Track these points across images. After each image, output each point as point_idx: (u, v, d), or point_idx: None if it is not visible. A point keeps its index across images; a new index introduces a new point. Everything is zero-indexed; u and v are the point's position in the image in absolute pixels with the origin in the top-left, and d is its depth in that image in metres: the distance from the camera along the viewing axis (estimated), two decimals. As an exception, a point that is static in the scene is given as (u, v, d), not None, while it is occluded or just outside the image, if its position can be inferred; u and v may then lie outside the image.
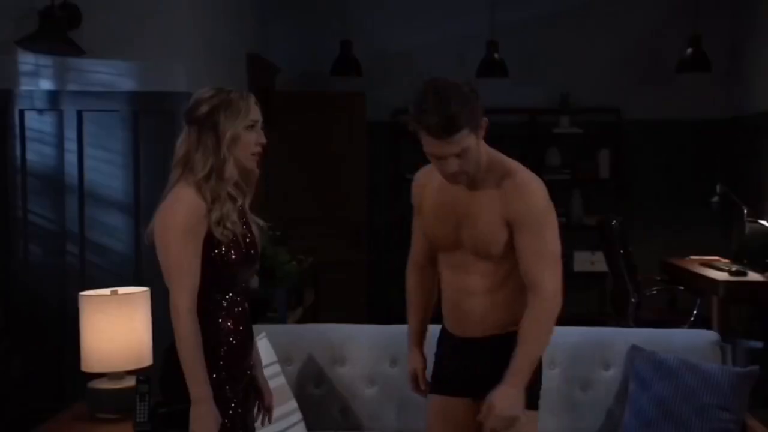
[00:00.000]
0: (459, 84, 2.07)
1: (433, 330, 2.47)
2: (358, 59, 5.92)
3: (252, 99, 2.16)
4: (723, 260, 5.11)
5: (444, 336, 2.39)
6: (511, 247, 2.15)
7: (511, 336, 2.16)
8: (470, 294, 2.23)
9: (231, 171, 2.10)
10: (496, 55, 5.81)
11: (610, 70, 6.28)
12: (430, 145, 2.06)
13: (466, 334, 2.28)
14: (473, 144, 2.07)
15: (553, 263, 2.13)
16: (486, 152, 2.16)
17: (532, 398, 2.20)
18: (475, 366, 2.26)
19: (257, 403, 2.32)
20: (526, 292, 2.16)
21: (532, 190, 2.13)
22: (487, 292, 2.22)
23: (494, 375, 2.14)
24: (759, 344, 4.52)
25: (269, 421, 2.34)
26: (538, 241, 2.11)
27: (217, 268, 2.10)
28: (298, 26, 6.34)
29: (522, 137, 6.29)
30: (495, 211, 2.13)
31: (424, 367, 2.43)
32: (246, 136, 2.12)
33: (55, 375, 3.92)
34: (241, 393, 2.17)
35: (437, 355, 2.41)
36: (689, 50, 5.65)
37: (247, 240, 2.18)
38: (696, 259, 5.27)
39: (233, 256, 2.11)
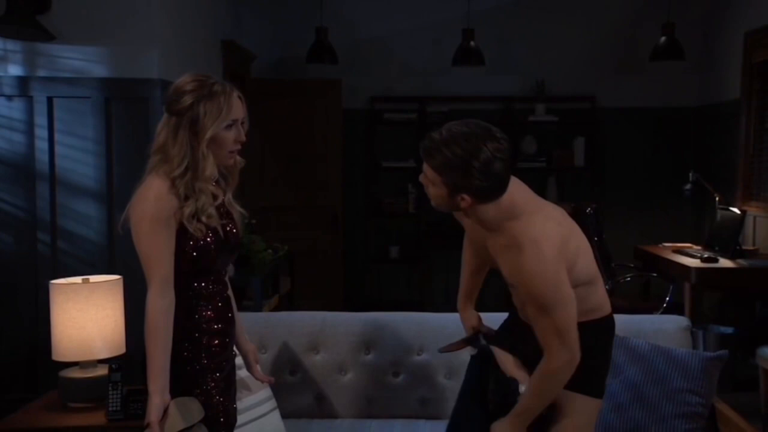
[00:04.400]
0: (476, 146, 2.01)
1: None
2: (333, 46, 5.89)
3: (235, 94, 2.10)
4: (695, 247, 5.17)
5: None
6: None
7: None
8: None
9: (211, 169, 2.07)
10: (471, 43, 5.81)
11: (585, 59, 6.31)
12: None
13: None
14: (442, 191, 2.05)
15: (561, 338, 2.08)
16: (497, 214, 2.10)
17: (591, 385, 2.24)
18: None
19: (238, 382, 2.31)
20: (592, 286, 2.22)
21: (535, 273, 2.04)
22: None
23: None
24: (729, 330, 4.58)
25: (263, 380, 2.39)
26: (544, 319, 2.07)
27: (195, 258, 2.07)
28: (273, 13, 6.30)
29: (497, 125, 6.23)
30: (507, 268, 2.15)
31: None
32: (226, 136, 2.08)
33: (27, 364, 3.88)
34: (222, 383, 2.15)
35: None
36: (662, 39, 5.69)
37: (227, 228, 2.16)
38: (669, 246, 5.33)
39: (212, 246, 2.09)
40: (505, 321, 2.47)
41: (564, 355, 2.09)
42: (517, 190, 2.14)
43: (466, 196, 2.03)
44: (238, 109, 2.10)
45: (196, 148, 2.04)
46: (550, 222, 2.11)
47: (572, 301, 2.08)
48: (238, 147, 2.13)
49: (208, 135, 2.04)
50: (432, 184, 2.07)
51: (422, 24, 6.28)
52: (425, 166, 2.07)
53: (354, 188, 6.37)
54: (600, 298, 2.28)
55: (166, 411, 1.99)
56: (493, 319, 2.52)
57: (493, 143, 2.04)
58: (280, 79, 6.23)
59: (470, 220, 2.21)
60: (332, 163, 6.16)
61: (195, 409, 2.04)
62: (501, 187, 2.05)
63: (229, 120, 2.07)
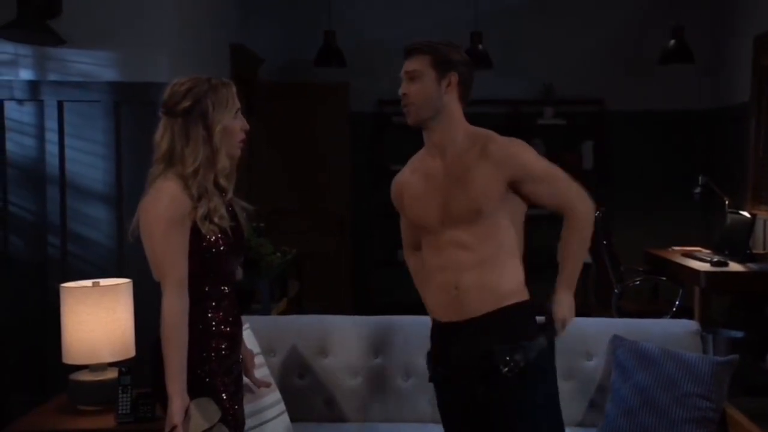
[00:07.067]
0: (451, 43, 2.33)
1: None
2: (341, 50, 5.90)
3: (233, 86, 2.17)
4: (704, 250, 5.15)
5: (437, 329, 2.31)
6: (498, 203, 2.22)
7: (504, 310, 2.19)
8: (462, 271, 2.19)
9: (223, 161, 2.10)
10: (480, 46, 5.81)
11: (593, 62, 6.30)
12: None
13: (461, 317, 2.21)
14: (429, 78, 2.23)
15: (567, 183, 2.30)
16: (465, 125, 2.35)
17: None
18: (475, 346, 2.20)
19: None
20: (515, 255, 2.26)
21: (519, 146, 2.30)
22: (478, 265, 2.19)
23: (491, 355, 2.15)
24: (739, 334, 4.56)
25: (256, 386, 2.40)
26: (547, 182, 2.27)
27: (205, 259, 2.08)
28: (281, 17, 6.31)
29: (506, 128, 6.24)
30: (487, 173, 2.22)
31: None
32: (234, 125, 2.13)
33: (37, 367, 3.89)
34: (231, 385, 2.15)
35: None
36: (672, 42, 5.68)
37: (234, 229, 2.17)
38: (678, 250, 5.31)
39: (222, 247, 2.09)
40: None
41: (582, 199, 2.29)
42: None
43: (453, 75, 2.24)
44: (237, 98, 2.17)
45: (209, 142, 2.08)
46: None
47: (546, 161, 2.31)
48: (243, 136, 2.18)
49: (220, 126, 2.09)
50: (419, 77, 2.22)
51: (430, 27, 6.27)
52: (409, 66, 2.23)
53: (361, 191, 6.37)
54: None
55: (186, 413, 2.00)
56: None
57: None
58: (288, 83, 6.24)
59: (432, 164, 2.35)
60: (339, 166, 6.17)
61: (213, 410, 2.05)
62: (472, 81, 2.32)
63: (235, 108, 2.14)
